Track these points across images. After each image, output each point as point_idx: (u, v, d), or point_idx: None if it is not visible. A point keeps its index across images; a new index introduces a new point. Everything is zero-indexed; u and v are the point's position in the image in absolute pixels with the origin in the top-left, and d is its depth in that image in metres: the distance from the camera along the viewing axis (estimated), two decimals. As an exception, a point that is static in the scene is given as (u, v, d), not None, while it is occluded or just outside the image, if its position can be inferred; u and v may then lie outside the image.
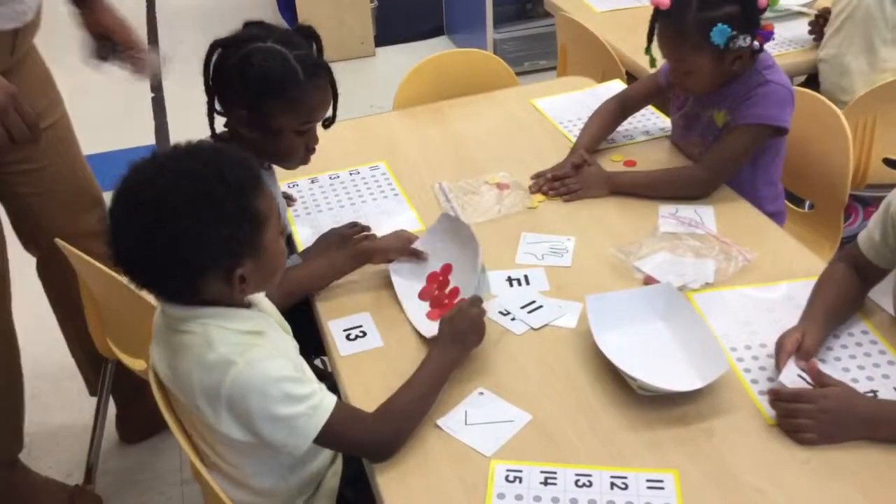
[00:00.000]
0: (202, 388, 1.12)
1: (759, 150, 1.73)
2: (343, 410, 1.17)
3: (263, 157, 1.56)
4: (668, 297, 1.39)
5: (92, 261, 1.60)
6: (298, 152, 1.55)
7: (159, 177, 1.09)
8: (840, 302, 1.36)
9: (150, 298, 1.57)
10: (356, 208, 1.78)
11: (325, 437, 1.15)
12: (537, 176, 1.81)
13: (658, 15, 1.67)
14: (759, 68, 1.71)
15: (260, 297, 1.27)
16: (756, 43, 1.64)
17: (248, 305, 1.22)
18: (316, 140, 1.56)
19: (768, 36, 1.66)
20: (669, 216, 1.66)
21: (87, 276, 1.73)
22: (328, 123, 1.57)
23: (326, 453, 1.33)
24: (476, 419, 1.25)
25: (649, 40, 1.72)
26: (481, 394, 1.30)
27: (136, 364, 1.76)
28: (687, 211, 1.67)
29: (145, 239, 1.08)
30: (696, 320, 1.35)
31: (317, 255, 1.60)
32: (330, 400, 1.15)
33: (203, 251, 1.09)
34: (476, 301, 1.34)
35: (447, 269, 1.51)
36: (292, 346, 1.27)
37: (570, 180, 1.76)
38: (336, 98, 1.55)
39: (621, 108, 1.94)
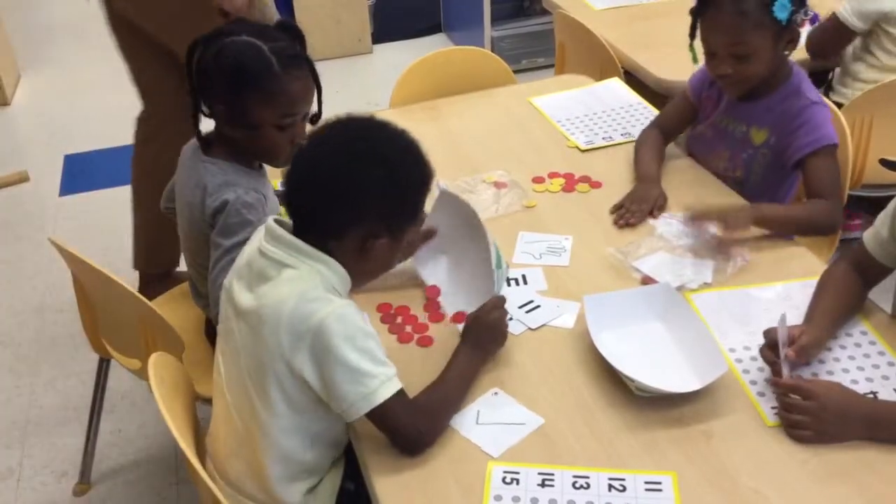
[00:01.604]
0: (292, 317, 1.15)
1: (787, 178, 1.73)
2: (404, 395, 1.19)
3: (249, 155, 1.54)
4: (667, 297, 1.39)
5: (87, 260, 1.59)
6: (283, 148, 1.52)
7: (379, 131, 1.23)
8: (843, 304, 1.35)
9: (144, 298, 1.58)
10: None
11: (382, 412, 1.16)
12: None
13: (709, 2, 1.62)
14: (796, 84, 1.68)
15: None
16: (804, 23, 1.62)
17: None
18: (303, 135, 1.53)
19: (815, 18, 1.64)
20: (667, 215, 1.65)
21: (81, 275, 1.72)
22: (314, 119, 1.56)
23: (339, 446, 1.32)
24: (487, 419, 1.24)
25: (692, 36, 1.68)
26: (496, 394, 1.29)
27: (130, 364, 1.75)
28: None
29: (344, 166, 1.18)
30: (694, 321, 1.35)
31: None
32: (398, 382, 1.18)
33: (374, 204, 1.18)
34: (498, 303, 1.34)
35: (435, 290, 1.49)
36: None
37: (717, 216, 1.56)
38: (320, 92, 1.54)
39: (664, 136, 1.86)
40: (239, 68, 1.44)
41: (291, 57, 1.48)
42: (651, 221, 1.63)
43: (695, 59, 1.73)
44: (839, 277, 1.37)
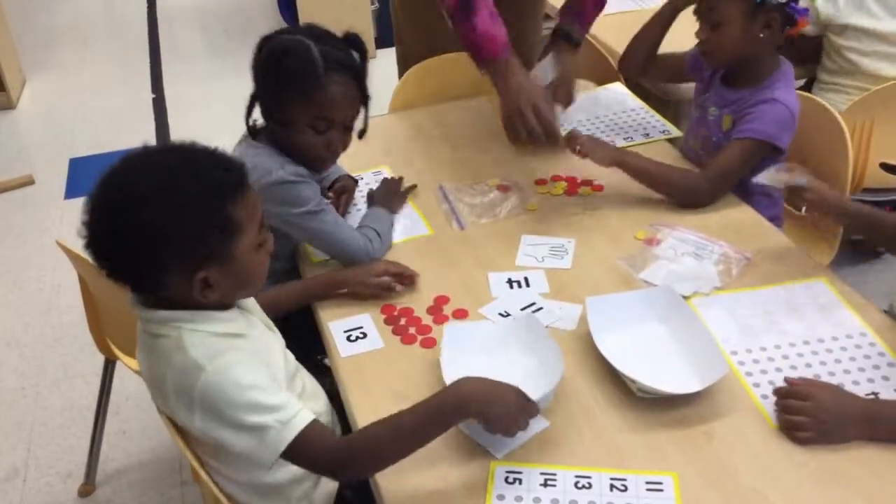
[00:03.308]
0: (176, 392, 1.11)
1: (756, 166, 1.72)
2: (314, 431, 1.10)
3: (285, 154, 1.53)
4: (667, 299, 1.40)
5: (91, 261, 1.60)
6: (317, 152, 1.52)
7: (137, 167, 1.11)
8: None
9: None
10: (363, 214, 1.74)
11: (293, 454, 1.10)
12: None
13: None
14: (774, 80, 1.71)
15: (247, 302, 1.25)
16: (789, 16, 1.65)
17: (228, 306, 1.19)
18: (341, 143, 1.54)
19: (803, 11, 1.66)
20: (668, 227, 1.63)
21: (87, 277, 1.73)
22: (360, 134, 1.58)
23: None
24: None
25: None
26: None
27: (134, 364, 1.76)
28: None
29: (112, 224, 1.08)
30: (695, 322, 1.36)
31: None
32: (302, 417, 1.10)
33: (163, 246, 1.07)
34: (531, 407, 1.16)
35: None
36: (279, 345, 1.26)
37: (582, 139, 1.71)
38: (367, 106, 1.54)
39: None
40: (281, 61, 1.45)
41: (339, 62, 1.47)
42: (658, 234, 1.62)
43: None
44: None
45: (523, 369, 1.31)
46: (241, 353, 1.13)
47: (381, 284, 1.50)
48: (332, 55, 1.47)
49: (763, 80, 1.72)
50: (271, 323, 1.29)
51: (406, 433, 1.11)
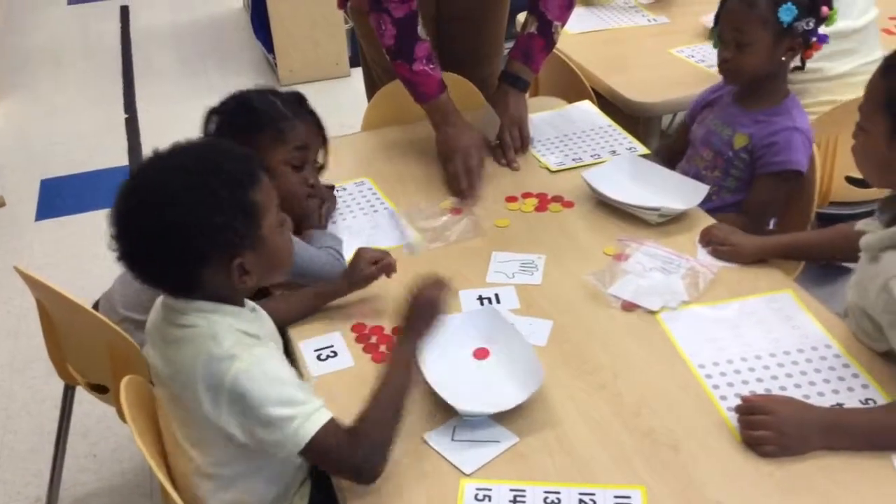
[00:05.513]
0: (206, 380, 1.13)
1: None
2: (334, 424, 1.14)
3: None
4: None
5: (51, 286, 1.58)
6: (296, 190, 1.58)
7: (154, 170, 1.17)
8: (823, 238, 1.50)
9: (110, 322, 1.57)
10: (347, 224, 1.77)
11: (314, 448, 1.13)
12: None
13: None
14: (790, 106, 1.81)
15: (260, 309, 1.30)
16: (812, 34, 1.75)
17: (251, 310, 1.25)
18: (315, 181, 1.61)
19: (823, 38, 1.76)
20: (637, 243, 1.64)
21: (46, 302, 1.71)
22: (320, 169, 1.68)
23: (299, 472, 1.32)
24: (462, 436, 1.25)
25: (716, 23, 1.83)
26: None
27: (97, 386, 1.73)
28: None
29: (143, 230, 1.12)
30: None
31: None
32: (324, 414, 1.14)
33: (198, 241, 1.12)
34: (439, 283, 1.31)
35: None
36: (285, 361, 1.28)
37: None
38: (326, 142, 1.65)
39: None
40: (252, 109, 1.55)
41: (296, 102, 1.61)
42: (626, 249, 1.63)
43: (715, 44, 1.87)
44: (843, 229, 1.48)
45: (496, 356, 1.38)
46: (267, 349, 1.19)
47: (373, 276, 1.51)
48: (288, 99, 1.60)
49: (777, 103, 1.81)
50: (279, 339, 1.33)
51: (395, 409, 1.18)
